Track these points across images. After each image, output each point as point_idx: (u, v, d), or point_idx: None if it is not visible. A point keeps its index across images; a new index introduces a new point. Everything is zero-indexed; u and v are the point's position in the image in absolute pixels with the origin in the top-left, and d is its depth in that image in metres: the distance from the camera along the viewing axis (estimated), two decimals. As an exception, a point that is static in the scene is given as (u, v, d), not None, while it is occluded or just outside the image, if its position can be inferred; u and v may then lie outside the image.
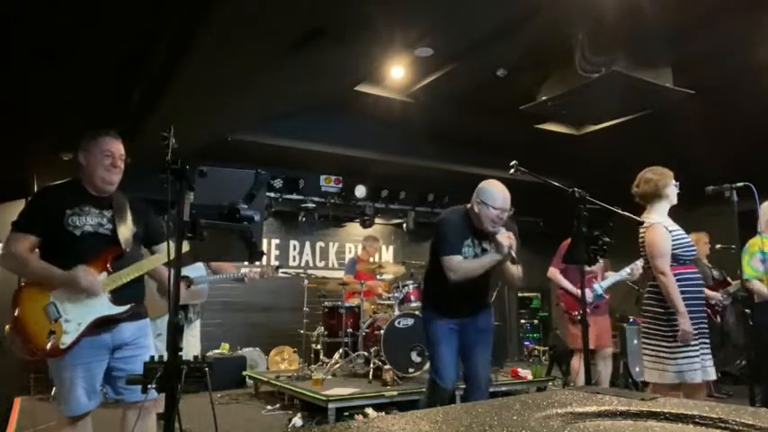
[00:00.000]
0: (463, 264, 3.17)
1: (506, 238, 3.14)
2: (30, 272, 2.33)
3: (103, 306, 2.36)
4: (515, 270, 3.27)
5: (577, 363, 4.90)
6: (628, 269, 4.51)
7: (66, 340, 2.27)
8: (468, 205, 3.30)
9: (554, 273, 5.03)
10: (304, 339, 6.06)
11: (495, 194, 3.18)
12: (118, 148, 2.52)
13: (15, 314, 2.26)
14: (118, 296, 2.40)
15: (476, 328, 3.36)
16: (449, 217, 3.35)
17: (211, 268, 3.97)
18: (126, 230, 2.48)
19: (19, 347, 2.26)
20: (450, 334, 3.33)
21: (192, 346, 3.91)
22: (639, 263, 4.27)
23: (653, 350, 3.27)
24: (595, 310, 4.80)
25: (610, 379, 5.05)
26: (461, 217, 3.30)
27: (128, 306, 2.43)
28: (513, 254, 3.12)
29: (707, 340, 3.23)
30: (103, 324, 2.37)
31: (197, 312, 4.07)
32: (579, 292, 4.78)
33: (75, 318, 2.30)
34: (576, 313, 4.87)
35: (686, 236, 3.35)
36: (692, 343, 3.14)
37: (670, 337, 3.18)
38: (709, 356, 3.21)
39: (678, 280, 3.22)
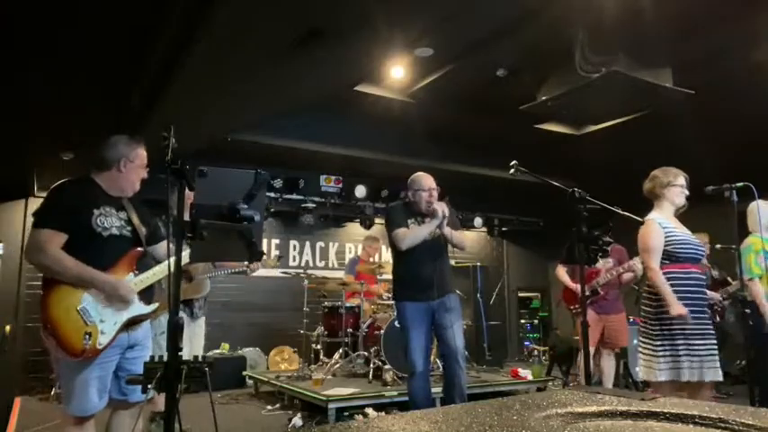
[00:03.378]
0: (408, 231, 3.73)
1: (439, 206, 3.69)
2: (64, 271, 2.26)
3: (135, 306, 2.40)
4: (458, 235, 3.85)
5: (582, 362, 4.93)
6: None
7: (104, 341, 2.29)
8: (406, 198, 3.96)
9: (559, 270, 5.15)
10: (304, 339, 6.06)
11: (420, 180, 3.88)
12: None
13: (48, 316, 2.23)
14: (145, 296, 2.45)
15: (445, 309, 3.73)
16: (391, 207, 4.05)
17: (215, 264, 3.96)
18: (143, 231, 2.53)
19: (54, 348, 2.24)
20: (421, 320, 3.73)
21: (199, 341, 3.93)
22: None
23: (643, 348, 3.31)
24: (605, 308, 4.85)
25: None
26: (402, 205, 3.97)
27: (155, 305, 2.48)
28: (446, 219, 3.67)
29: (711, 340, 3.22)
30: (132, 324, 2.41)
31: (201, 308, 4.05)
32: (577, 287, 4.89)
33: (110, 318, 2.32)
34: (572, 307, 4.99)
35: (685, 235, 3.33)
36: (677, 342, 3.14)
37: (657, 336, 3.21)
38: (713, 357, 3.19)
39: (670, 279, 3.23)
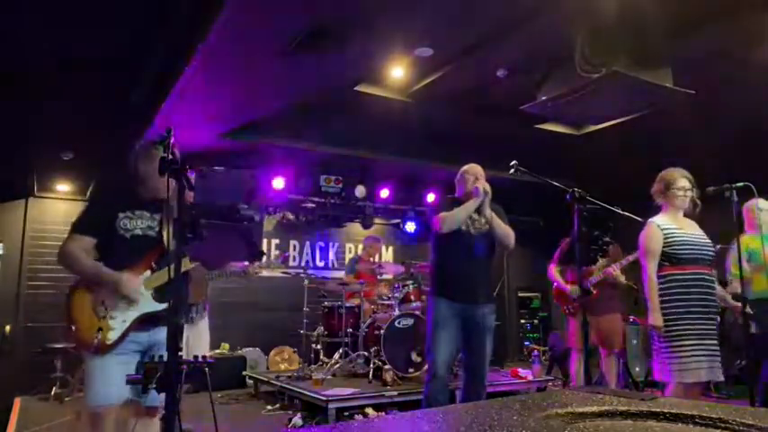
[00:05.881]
0: (449, 213, 3.59)
1: (481, 184, 3.63)
2: (79, 270, 2.48)
3: (146, 303, 2.46)
4: (503, 225, 3.73)
5: (573, 365, 4.91)
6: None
7: (112, 336, 2.39)
8: (455, 195, 3.86)
9: (551, 270, 5.12)
10: (304, 339, 6.05)
11: (466, 168, 3.84)
12: None
13: (68, 311, 2.42)
14: (160, 293, 2.48)
15: (478, 327, 3.56)
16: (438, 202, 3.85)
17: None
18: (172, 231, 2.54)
19: (72, 341, 2.51)
20: (452, 321, 3.54)
21: (200, 345, 3.92)
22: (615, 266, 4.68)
23: (655, 350, 3.30)
24: (595, 309, 4.80)
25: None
26: (450, 200, 3.84)
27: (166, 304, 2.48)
28: (488, 196, 3.59)
29: (714, 341, 3.21)
30: (147, 321, 2.46)
31: (199, 312, 4.04)
32: (568, 287, 4.88)
33: (120, 315, 2.42)
34: (565, 308, 4.97)
35: (687, 235, 3.32)
36: (688, 342, 3.14)
37: (666, 337, 3.20)
38: (717, 357, 3.19)
39: (669, 281, 3.23)
